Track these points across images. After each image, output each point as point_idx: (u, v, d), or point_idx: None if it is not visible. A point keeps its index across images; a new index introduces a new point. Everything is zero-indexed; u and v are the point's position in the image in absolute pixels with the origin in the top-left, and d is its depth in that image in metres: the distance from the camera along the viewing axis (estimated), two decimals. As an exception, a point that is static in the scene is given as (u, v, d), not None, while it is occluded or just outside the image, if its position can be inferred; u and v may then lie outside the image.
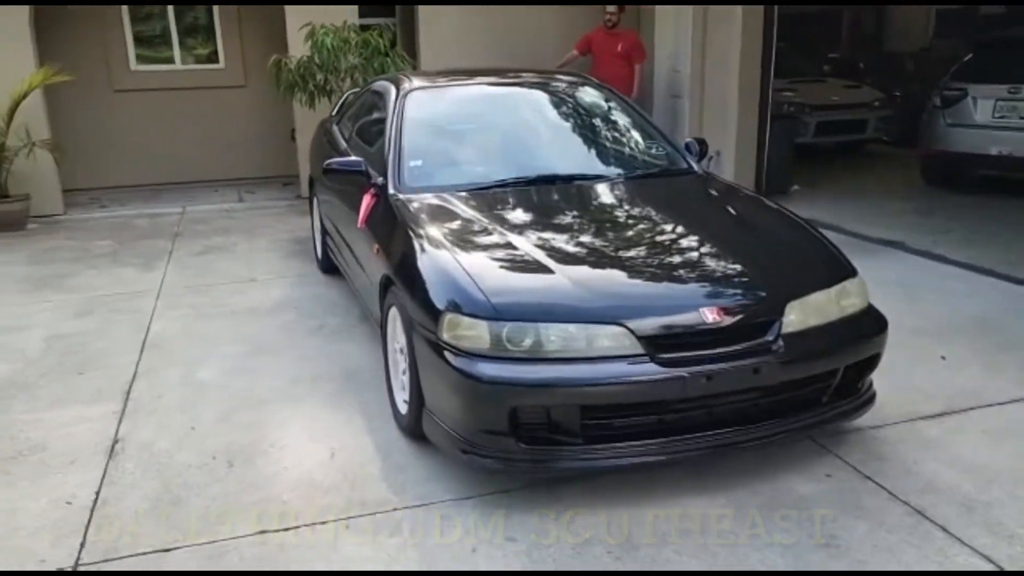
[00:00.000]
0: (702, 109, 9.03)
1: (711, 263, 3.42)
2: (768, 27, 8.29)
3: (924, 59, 13.53)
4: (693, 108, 9.18)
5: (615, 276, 3.29)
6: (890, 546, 2.85)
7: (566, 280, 3.15)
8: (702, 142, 4.77)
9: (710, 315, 3.04)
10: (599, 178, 4.23)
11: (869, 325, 3.41)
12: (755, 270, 3.35)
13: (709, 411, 3.13)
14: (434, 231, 3.57)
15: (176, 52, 9.98)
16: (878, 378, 4.02)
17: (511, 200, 3.99)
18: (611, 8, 9.01)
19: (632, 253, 3.49)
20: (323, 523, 3.03)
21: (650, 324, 3.01)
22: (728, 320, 3.07)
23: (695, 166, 4.55)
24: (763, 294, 3.23)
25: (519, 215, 3.84)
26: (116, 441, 3.67)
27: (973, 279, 5.88)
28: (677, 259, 3.45)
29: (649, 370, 2.93)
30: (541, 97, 4.93)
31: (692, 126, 9.22)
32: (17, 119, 7.98)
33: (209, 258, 6.87)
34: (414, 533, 2.96)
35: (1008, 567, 2.74)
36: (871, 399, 3.51)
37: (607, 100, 4.95)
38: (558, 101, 4.91)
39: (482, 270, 3.22)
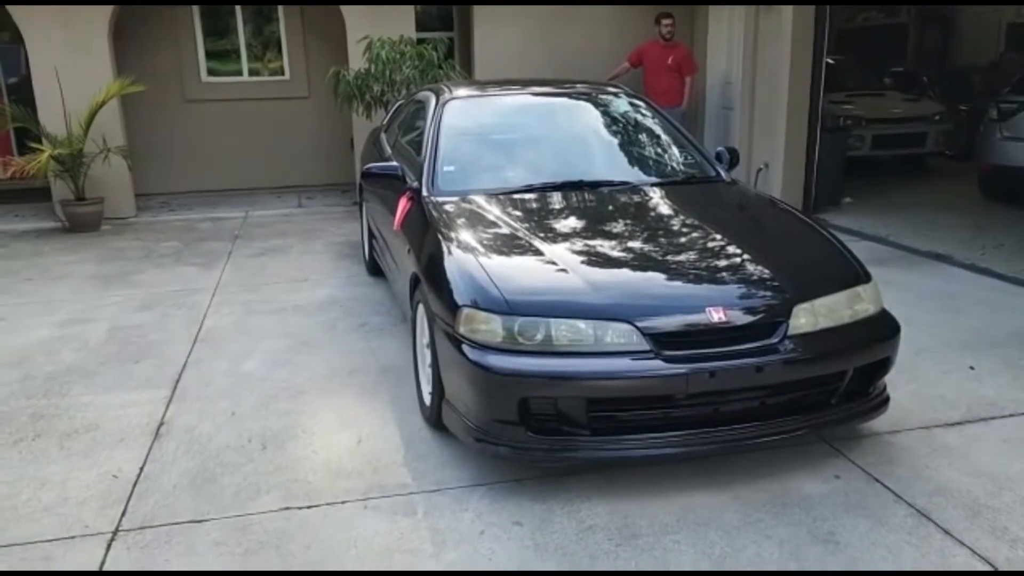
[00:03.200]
0: (752, 121, 9.06)
1: (723, 265, 3.52)
2: (819, 40, 8.29)
3: (993, 73, 13.23)
4: (743, 120, 9.22)
5: (627, 276, 3.42)
6: (888, 544, 2.90)
7: (579, 279, 3.29)
8: (733, 151, 4.86)
9: (716, 315, 3.14)
10: (625, 184, 4.36)
11: (880, 329, 3.45)
12: (766, 274, 3.43)
13: (716, 408, 3.23)
14: (460, 232, 3.74)
15: (244, 64, 10.43)
16: (901, 385, 4.08)
17: (536, 204, 4.15)
18: (667, 20, 9.11)
19: (646, 254, 3.61)
20: (343, 503, 3.22)
21: (657, 322, 3.13)
22: (734, 320, 3.16)
23: (723, 174, 4.64)
24: (772, 296, 3.31)
25: (542, 218, 3.99)
26: (162, 423, 3.93)
27: (1019, 293, 5.80)
28: (689, 261, 3.56)
29: (654, 366, 3.05)
30: (575, 106, 5.09)
31: (741, 137, 9.25)
32: (94, 127, 8.46)
33: (265, 259, 7.19)
34: (427, 515, 3.13)
35: (1005, 571, 2.76)
36: (884, 403, 3.55)
37: (640, 110, 5.07)
38: (591, 110, 5.06)
39: (500, 268, 3.38)
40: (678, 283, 3.38)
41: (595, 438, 3.15)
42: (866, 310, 3.46)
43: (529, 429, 3.13)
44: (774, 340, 3.19)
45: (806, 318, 3.28)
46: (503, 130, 4.80)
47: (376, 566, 2.83)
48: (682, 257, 3.61)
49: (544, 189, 4.28)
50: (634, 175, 4.49)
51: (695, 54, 9.91)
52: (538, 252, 3.53)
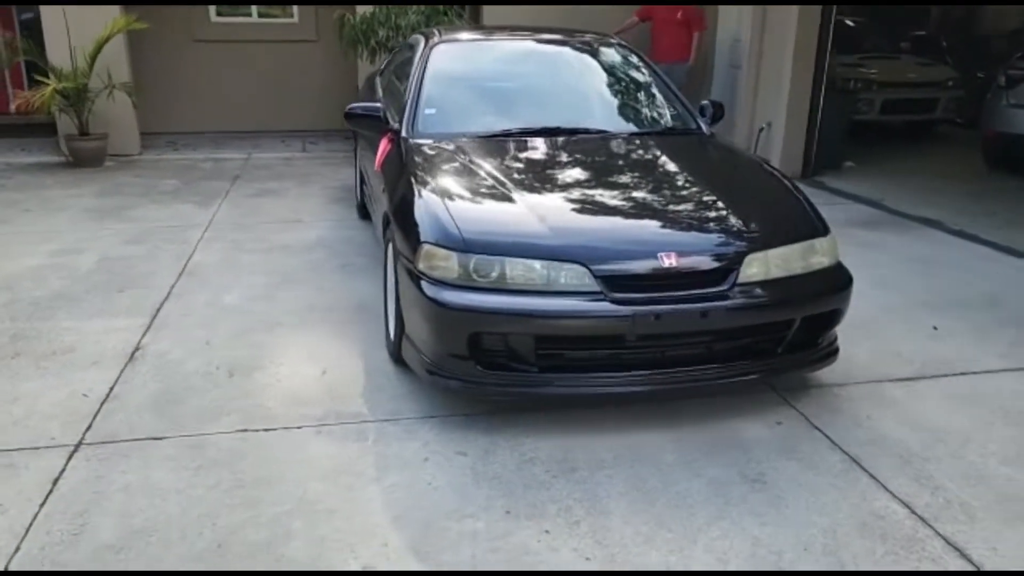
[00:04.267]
0: (757, 80, 9.00)
1: (682, 213, 3.59)
2: (826, -1, 8.18)
3: (1016, 40, 12.99)
4: (749, 79, 9.15)
5: (585, 219, 3.49)
6: (812, 486, 3.01)
7: (538, 221, 3.37)
8: (717, 105, 4.88)
9: (667, 260, 3.22)
10: (602, 132, 4.41)
11: (832, 282, 3.52)
12: (723, 223, 3.50)
13: (663, 351, 3.33)
14: (430, 173, 3.82)
15: (254, 6, 10.44)
16: (860, 341, 4.17)
17: (511, 149, 4.23)
18: None
19: (607, 200, 3.68)
20: (299, 428, 3.36)
21: (609, 265, 3.21)
22: (685, 266, 3.24)
23: (704, 127, 4.67)
24: (725, 245, 3.38)
25: (515, 162, 4.07)
26: (137, 349, 4.08)
27: (1001, 259, 5.82)
28: (649, 208, 3.63)
29: (601, 307, 3.14)
30: (565, 55, 5.12)
31: (747, 97, 9.20)
32: (100, 63, 8.54)
33: (261, 200, 7.29)
34: (377, 442, 3.26)
35: (922, 515, 2.86)
36: (831, 354, 3.64)
37: (630, 62, 5.09)
38: (581, 59, 5.09)
39: (463, 209, 3.47)
40: (634, 228, 3.46)
41: (543, 375, 3.25)
42: (821, 263, 3.52)
43: (479, 364, 3.23)
44: (724, 287, 3.26)
45: (758, 267, 3.35)
46: (488, 75, 4.84)
47: (322, 484, 2.97)
48: (643, 204, 3.68)
49: (522, 134, 4.34)
50: (614, 124, 4.53)
51: (706, 11, 9.83)
52: (503, 195, 3.60)
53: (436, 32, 5.14)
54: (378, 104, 4.60)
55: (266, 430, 3.34)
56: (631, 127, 4.53)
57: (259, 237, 6.09)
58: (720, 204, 3.65)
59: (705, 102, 4.91)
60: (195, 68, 10.39)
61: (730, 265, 3.30)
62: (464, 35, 5.20)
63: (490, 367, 3.25)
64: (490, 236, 3.30)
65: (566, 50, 5.14)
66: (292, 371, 3.86)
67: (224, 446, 3.21)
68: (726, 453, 3.23)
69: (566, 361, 3.30)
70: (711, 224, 3.51)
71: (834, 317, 3.54)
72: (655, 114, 4.77)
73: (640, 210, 3.62)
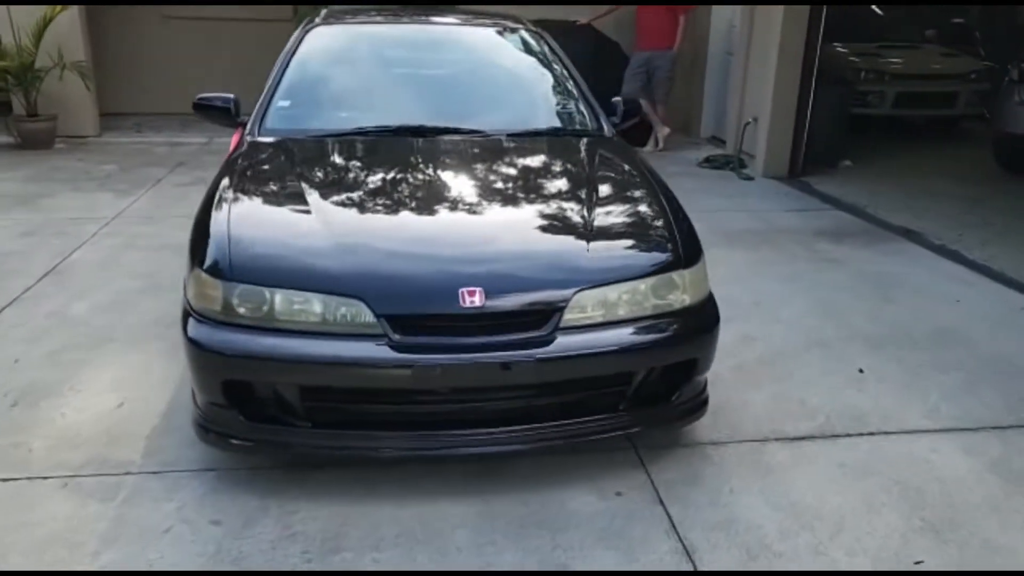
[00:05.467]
0: (746, 70, 8.27)
1: (510, 237, 2.99)
2: (817, -23, 7.40)
3: (1061, 31, 11.96)
4: (738, 68, 8.43)
5: (384, 244, 2.89)
6: (619, 590, 2.43)
7: (330, 244, 2.81)
8: (630, 102, 4.28)
9: (468, 298, 2.64)
10: (475, 133, 3.81)
11: (688, 326, 2.89)
12: (557, 249, 2.90)
13: (466, 408, 2.77)
14: (243, 181, 3.30)
15: (227, -18, 9.98)
16: (765, 385, 3.62)
17: (356, 151, 3.69)
18: None
19: (427, 219, 3.09)
20: (46, 478, 2.87)
21: (393, 302, 2.65)
22: (492, 307, 2.66)
23: (607, 128, 4.05)
24: (551, 278, 2.79)
25: (347, 169, 3.53)
26: (-65, 365, 3.64)
27: (976, 283, 5.09)
28: (471, 230, 3.04)
29: (376, 355, 2.58)
30: (460, 41, 4.53)
31: (735, 88, 8.48)
32: (50, 40, 8.16)
33: (190, 190, 6.79)
34: (125, 502, 2.76)
35: (742, 636, 2.27)
36: (695, 410, 3.03)
37: (534, 51, 4.48)
38: (476, 47, 4.51)
39: (248, 227, 2.93)
40: (440, 257, 2.84)
41: (317, 431, 2.71)
42: (680, 301, 2.90)
43: (244, 415, 2.71)
44: (541, 333, 2.68)
45: (591, 307, 2.76)
46: (364, 65, 4.27)
47: (23, 559, 2.48)
48: (465, 226, 3.07)
49: (379, 133, 3.77)
50: (493, 123, 3.91)
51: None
52: (305, 210, 3.03)
53: (320, 14, 4.58)
54: (230, 95, 4.07)
55: (5, 480, 2.86)
56: (514, 127, 3.91)
57: (159, 233, 5.63)
58: (564, 226, 3.06)
59: (616, 99, 4.29)
60: (164, 46, 9.99)
61: (553, 305, 2.71)
62: (350, 17, 4.63)
63: (257, 419, 2.72)
64: (263, 262, 2.76)
65: (465, 37, 4.56)
66: (85, 402, 3.38)
67: (-55, 498, 2.74)
68: (535, 535, 2.65)
69: (348, 416, 2.75)
70: (541, 252, 2.91)
71: (691, 368, 2.92)
72: (548, 113, 4.16)
73: (458, 234, 3.01)
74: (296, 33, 4.36)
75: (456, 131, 3.81)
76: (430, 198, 3.28)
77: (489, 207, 3.23)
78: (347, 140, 3.71)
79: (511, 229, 3.04)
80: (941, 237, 5.94)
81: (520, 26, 4.65)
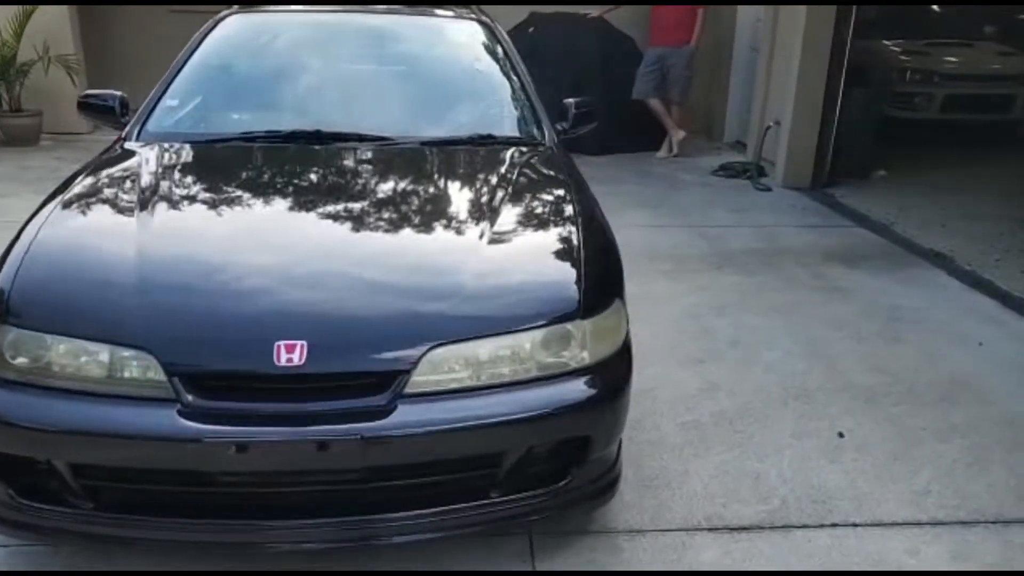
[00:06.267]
0: (770, 68, 7.53)
1: (356, 278, 2.36)
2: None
3: None
4: (762, 66, 7.68)
5: (194, 282, 2.31)
6: None
7: (129, 281, 2.24)
8: (583, 105, 3.64)
9: (285, 355, 2.06)
10: (381, 141, 3.22)
11: (585, 392, 2.26)
12: (414, 294, 2.29)
13: (293, 492, 2.19)
14: (83, 193, 2.80)
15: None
16: (714, 450, 3.02)
17: (227, 161, 3.15)
18: None
19: (264, 252, 2.46)
20: None
21: (189, 355, 2.10)
22: (318, 366, 2.08)
23: (547, 136, 3.43)
24: (397, 332, 2.19)
25: (205, 183, 2.94)
26: None
27: (1007, 323, 4.33)
28: (311, 267, 2.39)
29: (158, 424, 2.02)
30: (393, 34, 3.93)
31: (759, 88, 7.74)
32: (37, 33, 7.85)
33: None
34: None
35: None
36: (595, 495, 2.42)
37: (477, 46, 3.87)
38: (410, 41, 3.91)
39: (47, 254, 2.39)
40: (260, 300, 2.25)
41: (97, 513, 2.16)
42: (577, 359, 2.27)
43: (14, 489, 2.17)
44: (377, 401, 2.09)
45: (452, 368, 2.16)
46: (273, 58, 3.72)
47: None
48: (310, 261, 2.42)
49: (269, 139, 3.22)
50: (407, 129, 3.32)
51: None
52: (131, 235, 2.46)
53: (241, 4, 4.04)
54: (116, 92, 3.56)
55: None
56: (432, 134, 3.31)
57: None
58: (438, 263, 2.45)
59: (568, 101, 3.67)
60: (172, 41, 9.58)
61: (395, 366, 2.12)
62: (273, 6, 4.08)
63: (33, 496, 2.18)
64: (49, 300, 2.23)
65: (401, 30, 3.95)
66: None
67: None
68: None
69: (139, 496, 2.20)
70: (395, 295, 2.30)
71: (584, 446, 2.30)
72: (478, 117, 3.54)
73: (295, 271, 2.38)
74: (208, 23, 3.83)
75: (360, 138, 3.23)
76: (283, 223, 2.67)
77: (353, 236, 2.61)
78: (225, 148, 3.17)
79: (367, 265, 2.43)
80: (973, 263, 5.16)
81: (469, 18, 4.04)
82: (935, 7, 10.92)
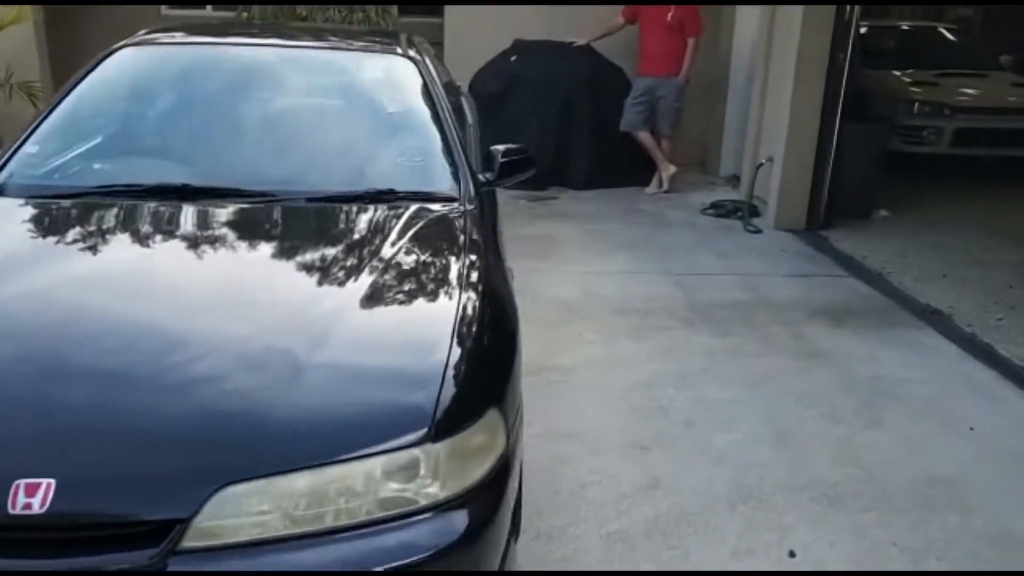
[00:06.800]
0: (763, 99, 7.04)
1: (140, 395, 1.85)
2: (844, -13, 6.13)
3: None
4: (756, 96, 7.20)
5: None
6: None
7: None
8: (512, 153, 3.19)
9: (27, 497, 1.61)
10: (260, 196, 2.77)
11: (434, 538, 1.78)
12: (207, 412, 1.80)
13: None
14: None
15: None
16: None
17: (67, 223, 2.69)
18: None
19: (43, 353, 1.98)
20: None
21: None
22: (66, 512, 1.62)
23: (462, 189, 2.97)
24: (175, 465, 1.72)
25: (31, 253, 2.48)
26: None
27: (1005, 399, 3.81)
28: (85, 377, 1.90)
29: None
30: (305, 70, 3.50)
31: (752, 120, 7.26)
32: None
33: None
34: None
35: None
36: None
37: (399, 84, 3.42)
38: (322, 77, 3.48)
39: None
40: (23, 421, 1.80)
41: None
42: (427, 495, 1.80)
43: None
44: (141, 558, 1.63)
45: (250, 511, 1.70)
46: (159, 99, 3.29)
47: None
48: (81, 368, 1.95)
49: (130, 194, 2.78)
50: (293, 182, 2.85)
51: (722, 9, 7.96)
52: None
53: (141, 34, 3.61)
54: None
55: None
56: (323, 187, 2.85)
57: None
58: (246, 368, 1.94)
59: (495, 148, 3.22)
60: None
61: (169, 511, 1.65)
62: (179, 36, 3.65)
63: None
64: None
65: (315, 65, 3.54)
66: None
67: None
68: None
69: None
70: (183, 411, 1.81)
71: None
72: (382, 168, 3.08)
73: (53, 381, 1.88)
74: (99, 55, 3.43)
75: (239, 192, 2.79)
76: (69, 314, 2.15)
77: (152, 331, 2.08)
78: (73, 206, 2.72)
79: (157, 370, 1.94)
80: (974, 323, 4.63)
81: (394, 53, 3.59)
82: (949, 35, 10.42)
